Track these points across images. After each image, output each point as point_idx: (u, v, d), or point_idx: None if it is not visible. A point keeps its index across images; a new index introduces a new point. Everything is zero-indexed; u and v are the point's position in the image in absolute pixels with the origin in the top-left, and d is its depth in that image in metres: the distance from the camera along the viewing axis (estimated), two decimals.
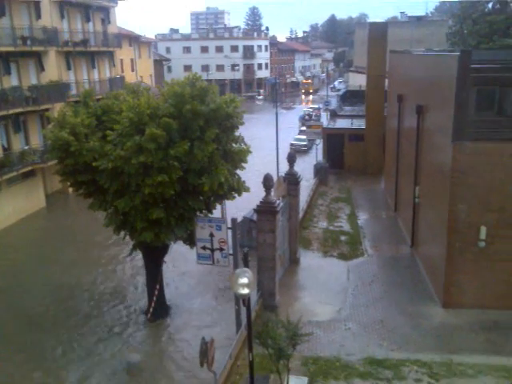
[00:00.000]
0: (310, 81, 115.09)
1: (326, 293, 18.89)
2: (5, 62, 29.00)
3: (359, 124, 39.35)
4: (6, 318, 18.64)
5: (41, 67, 32.74)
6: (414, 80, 23.80)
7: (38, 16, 32.17)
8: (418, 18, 77.79)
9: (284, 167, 24.45)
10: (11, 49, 28.85)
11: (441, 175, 17.73)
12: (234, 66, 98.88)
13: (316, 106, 72.82)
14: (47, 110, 31.14)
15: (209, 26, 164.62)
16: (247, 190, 17.04)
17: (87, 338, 17.05)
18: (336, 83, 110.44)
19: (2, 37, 28.34)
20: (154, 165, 14.53)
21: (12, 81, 29.88)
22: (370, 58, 36.38)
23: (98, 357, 15.99)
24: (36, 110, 31.03)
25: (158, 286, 17.57)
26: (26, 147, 30.98)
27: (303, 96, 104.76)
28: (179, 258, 22.30)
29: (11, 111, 28.26)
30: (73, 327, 17.82)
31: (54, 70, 33.70)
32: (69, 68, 35.74)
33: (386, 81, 35.24)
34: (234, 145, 16.62)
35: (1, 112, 27.32)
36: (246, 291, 9.24)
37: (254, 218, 20.02)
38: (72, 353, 16.30)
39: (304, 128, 49.71)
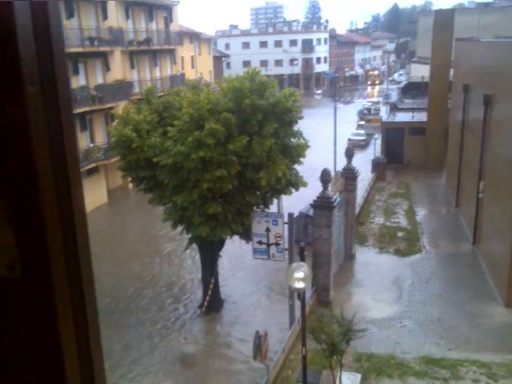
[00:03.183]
0: (376, 72, 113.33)
1: (381, 289, 18.71)
2: (73, 62, 30.49)
3: (420, 117, 38.27)
4: None
5: (107, 67, 34.17)
6: (481, 69, 22.92)
7: (105, 17, 33.50)
8: (486, 5, 74.33)
9: (342, 162, 24.30)
10: (80, 50, 30.28)
11: (509, 169, 17.05)
12: (292, 61, 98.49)
13: (375, 100, 71.38)
14: (112, 108, 32.41)
15: (268, 20, 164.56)
16: (305, 184, 17.08)
17: (143, 328, 17.72)
18: (396, 75, 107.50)
19: (70, 38, 29.79)
20: (213, 160, 14.82)
21: (80, 81, 31.38)
22: (435, 47, 35.25)
23: (153, 347, 16.59)
24: (101, 109, 32.36)
25: (213, 280, 17.92)
26: (91, 145, 32.47)
27: (369, 88, 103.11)
28: (235, 253, 22.74)
29: (79, 110, 29.64)
30: (130, 316, 18.59)
31: (118, 69, 35.05)
32: (132, 67, 37.06)
33: (451, 71, 34.08)
34: (292, 139, 16.71)
35: None
36: (301, 285, 9.37)
37: (311, 213, 20.10)
38: (128, 342, 16.92)
39: (362, 122, 48.93)
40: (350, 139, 46.05)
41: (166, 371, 15.32)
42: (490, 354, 14.24)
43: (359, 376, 13.37)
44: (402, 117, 40.80)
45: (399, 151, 37.58)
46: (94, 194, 32.35)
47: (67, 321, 1.02)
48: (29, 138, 0.91)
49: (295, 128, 16.72)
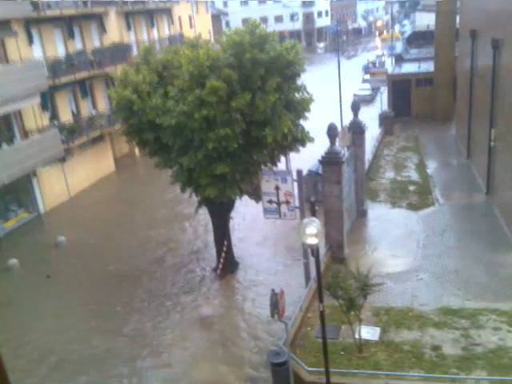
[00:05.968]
0: (383, 23, 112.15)
1: (396, 244, 18.41)
2: (68, 26, 29.51)
3: (427, 67, 37.21)
4: (89, 272, 19.75)
5: (103, 29, 33.14)
6: (489, 12, 21.89)
7: None
8: None
9: (348, 118, 23.64)
10: (73, 12, 29.25)
11: None
12: (292, 16, 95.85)
13: (380, 53, 69.62)
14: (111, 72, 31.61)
15: None
16: (311, 140, 16.66)
17: (160, 293, 17.69)
18: (397, 27, 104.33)
19: (63, 0, 28.76)
20: (216, 119, 14.40)
21: (76, 45, 30.46)
22: None
23: (171, 310, 16.57)
24: (101, 74, 31.48)
25: (225, 243, 17.76)
26: (94, 112, 31.80)
27: (377, 39, 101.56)
28: (245, 214, 22.45)
29: (78, 76, 28.87)
30: (146, 282, 18.56)
31: (115, 31, 34.02)
32: (129, 28, 35.99)
33: (458, 18, 32.88)
34: (296, 94, 16.15)
35: (68, 77, 27.98)
36: (314, 241, 9.04)
37: (320, 171, 19.64)
38: (146, 306, 16.98)
39: (368, 77, 47.71)
40: (355, 95, 45.03)
41: (185, 333, 15.27)
42: (510, 303, 14.00)
43: (378, 329, 13.24)
44: (408, 68, 39.73)
45: (406, 104, 36.74)
46: (101, 163, 32.00)
47: None
48: None
49: (299, 82, 16.11)
